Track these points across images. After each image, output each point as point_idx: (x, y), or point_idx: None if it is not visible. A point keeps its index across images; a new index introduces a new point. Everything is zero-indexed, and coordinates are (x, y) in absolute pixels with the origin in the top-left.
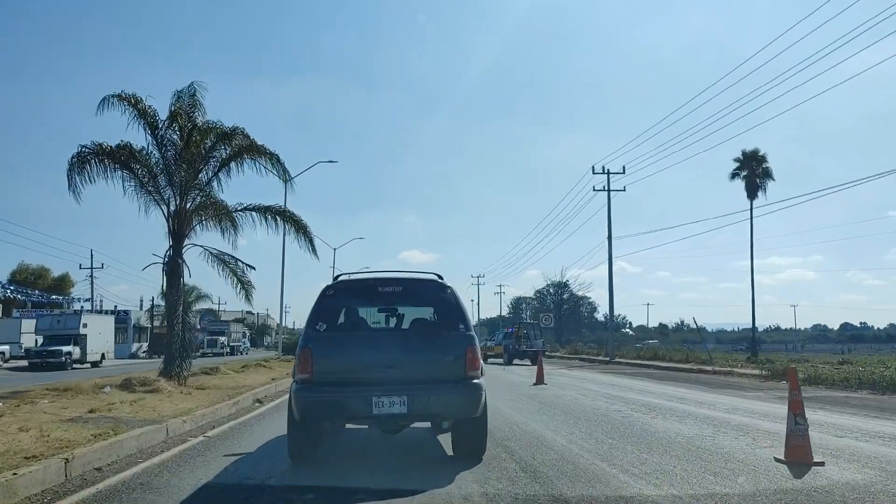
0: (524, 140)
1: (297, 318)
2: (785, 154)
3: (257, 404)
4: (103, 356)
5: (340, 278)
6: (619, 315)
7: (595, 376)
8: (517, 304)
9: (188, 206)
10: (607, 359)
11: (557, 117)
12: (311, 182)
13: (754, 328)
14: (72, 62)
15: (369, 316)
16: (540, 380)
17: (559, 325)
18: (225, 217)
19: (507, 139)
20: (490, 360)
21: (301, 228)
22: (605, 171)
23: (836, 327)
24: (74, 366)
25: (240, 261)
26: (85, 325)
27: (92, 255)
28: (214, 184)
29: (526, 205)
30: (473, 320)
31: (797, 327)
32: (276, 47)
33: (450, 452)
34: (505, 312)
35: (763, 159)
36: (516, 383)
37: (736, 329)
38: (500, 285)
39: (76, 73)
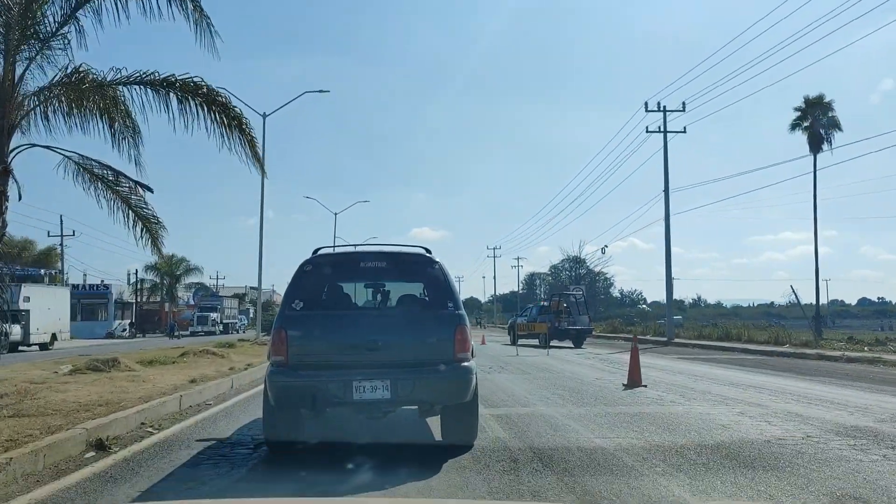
0: (533, 116)
1: None
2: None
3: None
4: (54, 336)
5: (320, 252)
6: (635, 290)
7: (688, 367)
8: (531, 279)
9: (17, 72)
10: (664, 339)
11: (566, 93)
12: (319, 159)
13: (818, 304)
14: None
15: (354, 293)
16: (636, 380)
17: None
18: (95, 99)
19: (516, 115)
20: (521, 340)
21: (233, 120)
22: (662, 109)
23: (853, 302)
24: (21, 348)
25: (123, 175)
26: (27, 300)
27: (62, 220)
28: (72, 35)
29: (537, 181)
30: (490, 295)
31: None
32: (280, 26)
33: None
34: (518, 288)
35: (829, 107)
36: (589, 383)
37: (751, 304)
38: (518, 258)
39: None
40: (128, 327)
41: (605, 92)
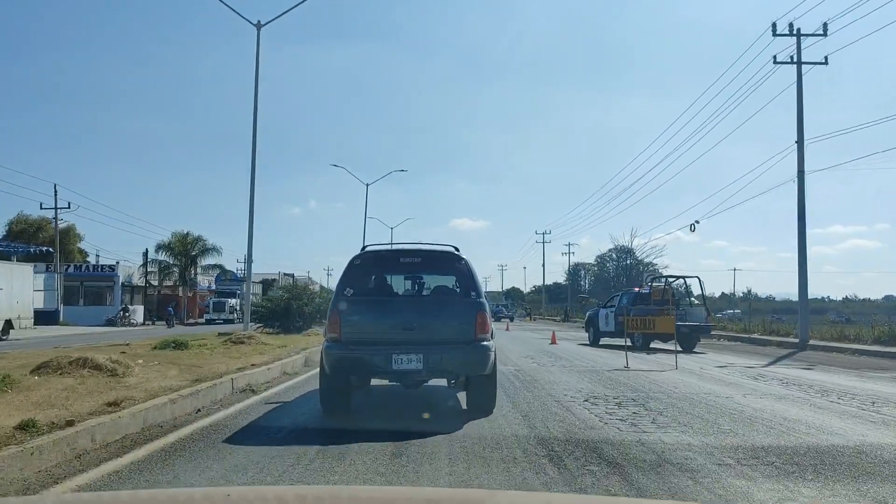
0: (578, 103)
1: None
2: None
3: None
4: (9, 324)
5: (367, 249)
6: (683, 284)
7: None
8: (575, 270)
9: None
10: (794, 340)
11: (613, 79)
12: (359, 148)
13: None
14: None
15: (396, 283)
16: None
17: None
18: None
19: (559, 103)
20: (603, 339)
21: None
22: (795, 33)
23: None
24: None
25: None
26: None
27: (56, 190)
28: None
29: (581, 170)
30: (534, 286)
31: (865, 298)
32: (325, 14)
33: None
34: (566, 277)
35: None
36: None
37: (792, 299)
38: (569, 244)
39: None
40: (131, 312)
41: (653, 79)
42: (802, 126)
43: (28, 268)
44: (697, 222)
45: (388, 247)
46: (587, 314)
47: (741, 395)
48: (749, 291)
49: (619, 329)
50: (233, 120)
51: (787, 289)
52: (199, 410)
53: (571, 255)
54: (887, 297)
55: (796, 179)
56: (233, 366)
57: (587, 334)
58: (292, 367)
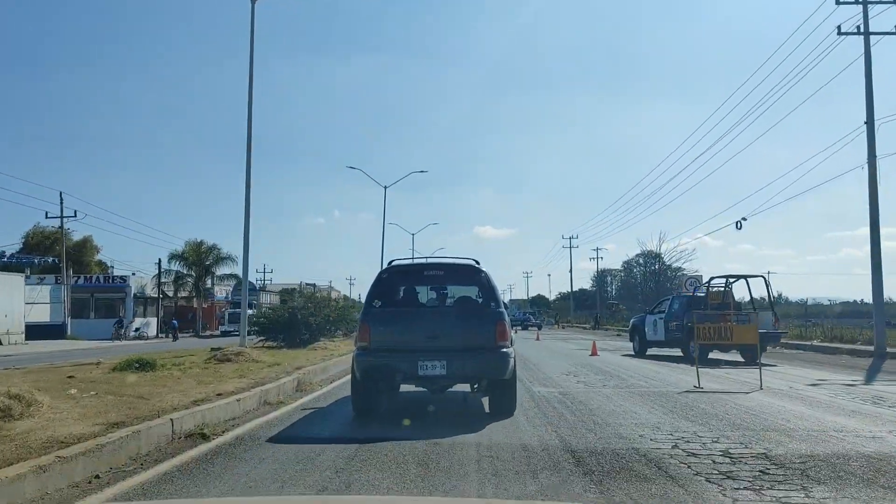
0: (601, 110)
1: (363, 290)
2: None
3: None
4: None
5: (393, 263)
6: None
7: None
8: (601, 276)
9: None
10: (868, 348)
11: (635, 86)
12: (384, 159)
13: None
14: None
15: (421, 294)
16: None
17: (652, 301)
18: None
19: (582, 110)
20: (650, 349)
21: None
22: (861, 0)
23: None
24: None
25: None
26: None
27: (62, 198)
28: None
29: (605, 177)
30: (559, 292)
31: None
32: (341, 25)
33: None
34: (587, 286)
35: None
36: None
37: (832, 302)
38: (598, 248)
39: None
40: (127, 326)
41: (674, 83)
42: (872, 105)
43: (18, 279)
44: (745, 219)
45: (414, 261)
46: (632, 321)
47: (890, 434)
48: (780, 295)
49: (670, 337)
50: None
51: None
52: (76, 485)
53: (600, 259)
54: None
55: (867, 166)
56: (194, 395)
57: (632, 344)
58: (277, 394)
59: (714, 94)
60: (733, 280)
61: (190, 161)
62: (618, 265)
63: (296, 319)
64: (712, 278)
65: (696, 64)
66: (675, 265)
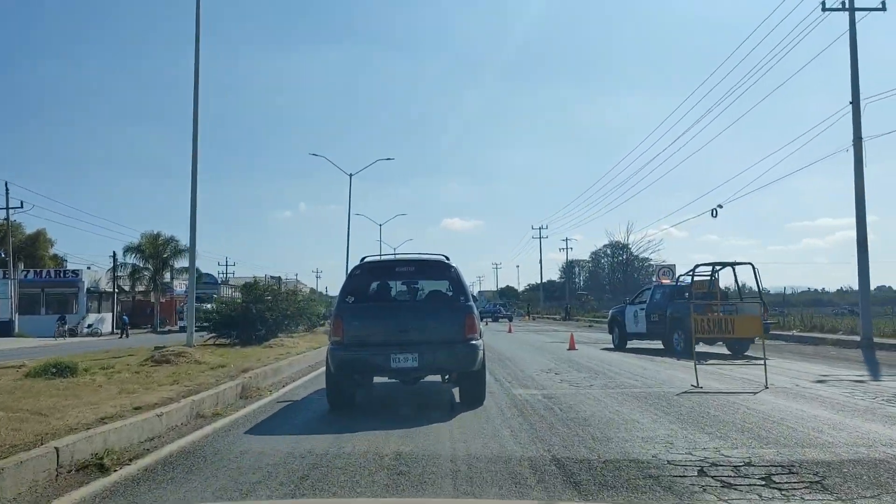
0: (568, 102)
1: (330, 283)
2: None
3: None
4: None
5: (366, 260)
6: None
7: None
8: (568, 268)
9: None
10: (854, 338)
11: (603, 77)
12: (352, 151)
13: None
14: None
15: (395, 289)
16: None
17: (619, 292)
18: None
19: (550, 102)
20: (630, 342)
21: None
22: None
23: None
24: None
25: None
26: None
27: (7, 188)
28: None
29: (573, 168)
30: (528, 284)
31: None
32: (311, 15)
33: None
34: (556, 277)
35: None
36: None
37: (794, 291)
38: (567, 239)
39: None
40: (94, 322)
41: (643, 75)
42: (858, 84)
43: None
44: (721, 206)
45: (385, 257)
46: (611, 312)
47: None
48: (744, 285)
49: (652, 329)
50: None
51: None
52: None
53: (570, 250)
54: (880, 288)
55: (852, 147)
56: (106, 409)
57: (611, 336)
58: (215, 403)
59: (683, 85)
60: (719, 268)
61: (151, 153)
62: (585, 256)
63: (250, 314)
64: (697, 265)
65: (665, 55)
66: (642, 255)
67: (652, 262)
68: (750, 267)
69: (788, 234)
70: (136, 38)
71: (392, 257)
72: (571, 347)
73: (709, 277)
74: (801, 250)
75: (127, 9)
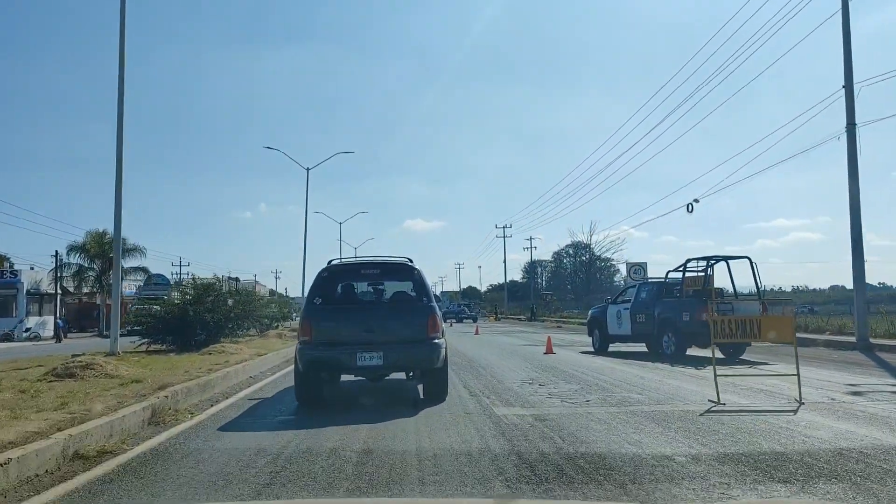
0: (528, 103)
1: (289, 283)
2: None
3: None
4: None
5: (332, 262)
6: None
7: None
8: (531, 268)
9: None
10: (849, 339)
11: (563, 78)
12: (313, 152)
13: None
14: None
15: (359, 290)
16: None
17: (582, 292)
18: None
19: (511, 102)
20: (613, 345)
21: None
22: None
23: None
24: None
25: None
26: None
27: None
28: None
29: (533, 169)
30: (490, 284)
31: (815, 288)
32: (273, 16)
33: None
34: (518, 278)
35: None
36: None
37: (750, 291)
38: (531, 238)
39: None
40: (32, 326)
41: (603, 77)
42: (851, 67)
43: None
44: (697, 201)
45: (350, 260)
46: (590, 313)
47: None
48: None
49: (637, 331)
50: (171, 119)
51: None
52: None
53: (534, 249)
54: (833, 287)
55: (845, 134)
56: None
57: (591, 339)
58: (108, 435)
59: (641, 86)
60: (713, 262)
61: (102, 152)
62: (547, 256)
63: (188, 317)
64: (689, 260)
65: (624, 56)
66: (604, 255)
67: (614, 262)
68: (747, 261)
69: (743, 235)
70: (86, 35)
71: (357, 260)
72: (549, 351)
73: (702, 273)
74: (756, 250)
75: (73, 6)
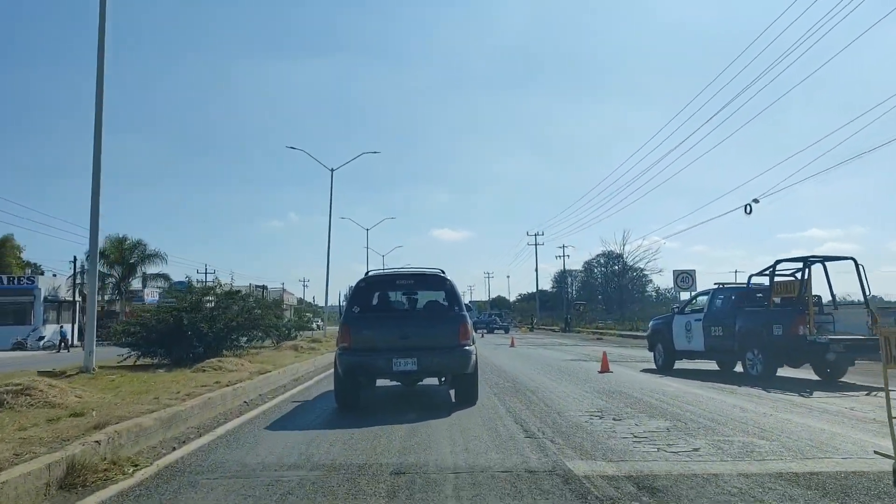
0: (555, 112)
1: (317, 292)
2: None
3: None
4: None
5: (370, 274)
6: (665, 288)
7: None
8: (560, 278)
9: None
10: None
11: (586, 88)
12: (339, 160)
13: None
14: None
15: (396, 299)
16: None
17: (613, 302)
18: None
19: (538, 112)
20: (679, 362)
21: None
22: None
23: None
24: None
25: None
26: None
27: None
28: None
29: (561, 179)
30: (520, 294)
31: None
32: (297, 27)
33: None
34: (547, 287)
35: None
36: None
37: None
38: (563, 245)
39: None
40: (50, 334)
41: (628, 85)
42: None
43: None
44: (756, 201)
45: (387, 271)
46: (651, 324)
47: None
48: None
49: (713, 346)
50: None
51: None
52: None
53: (567, 257)
54: (872, 299)
55: None
56: None
57: (652, 354)
58: None
59: (672, 95)
60: (810, 263)
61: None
62: (578, 266)
63: (183, 327)
64: (778, 261)
65: (652, 63)
66: (637, 265)
67: (647, 273)
68: (855, 262)
69: (777, 245)
70: (115, 47)
71: (393, 271)
72: (604, 369)
73: (797, 278)
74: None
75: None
